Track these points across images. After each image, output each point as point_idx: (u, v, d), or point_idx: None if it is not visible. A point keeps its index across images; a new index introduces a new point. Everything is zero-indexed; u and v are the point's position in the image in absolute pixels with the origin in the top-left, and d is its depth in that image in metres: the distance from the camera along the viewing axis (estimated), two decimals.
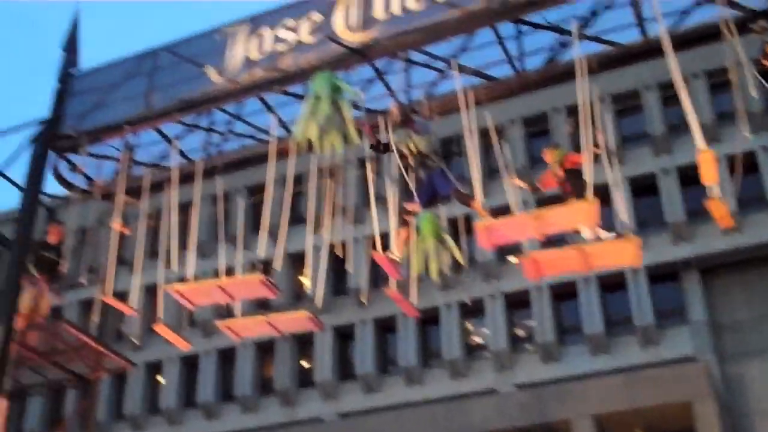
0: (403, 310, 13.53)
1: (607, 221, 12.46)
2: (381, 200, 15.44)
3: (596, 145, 12.52)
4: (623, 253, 11.26)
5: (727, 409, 25.00)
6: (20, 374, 16.30)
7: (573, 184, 12.15)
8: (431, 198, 12.10)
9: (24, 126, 16.48)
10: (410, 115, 12.10)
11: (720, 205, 10.68)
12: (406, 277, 13.17)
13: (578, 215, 10.66)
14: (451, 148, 27.43)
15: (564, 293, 28.50)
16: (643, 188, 29.19)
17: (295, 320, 14.33)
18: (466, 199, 11.65)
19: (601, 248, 11.39)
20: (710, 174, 10.45)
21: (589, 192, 10.50)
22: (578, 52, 12.40)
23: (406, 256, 12.89)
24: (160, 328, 14.47)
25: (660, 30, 11.97)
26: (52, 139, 16.14)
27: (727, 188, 26.89)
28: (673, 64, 11.04)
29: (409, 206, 12.03)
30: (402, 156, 12.04)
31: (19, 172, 16.21)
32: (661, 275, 28.26)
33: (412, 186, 12.18)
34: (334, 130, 11.36)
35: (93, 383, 17.11)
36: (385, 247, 12.33)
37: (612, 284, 28.06)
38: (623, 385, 24.71)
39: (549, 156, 13.27)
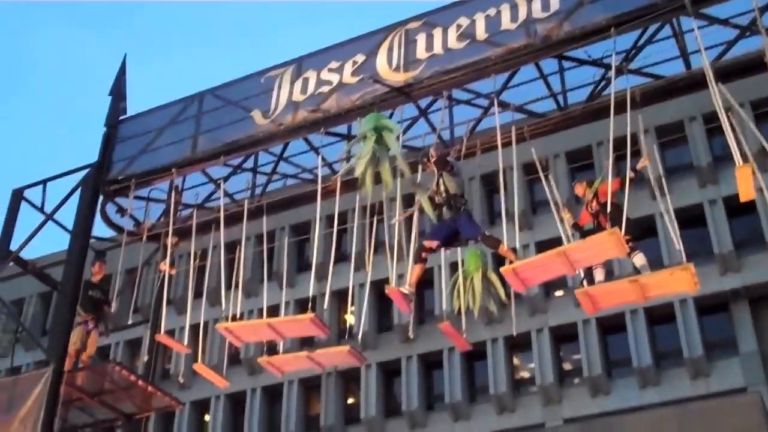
0: (456, 344, 13.47)
1: (655, 251, 12.33)
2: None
3: (633, 170, 12.43)
4: (680, 282, 11.08)
5: None
6: (70, 414, 16.46)
7: (609, 216, 11.97)
8: (450, 238, 12.11)
9: (74, 171, 16.76)
10: (447, 156, 12.14)
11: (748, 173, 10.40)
12: (450, 311, 13.15)
13: (605, 247, 10.49)
14: (494, 184, 27.39)
15: (612, 326, 28.22)
16: (690, 219, 28.84)
17: (337, 355, 14.36)
18: (494, 243, 11.65)
19: (656, 278, 11.23)
20: (747, 189, 10.34)
21: (625, 218, 10.36)
22: (622, 84, 12.34)
23: (452, 292, 12.90)
24: (199, 367, 14.58)
25: (703, 62, 11.90)
26: (100, 183, 16.38)
27: None
28: (715, 95, 10.96)
29: (427, 243, 12.06)
30: (431, 196, 12.09)
31: (69, 215, 16.47)
32: (710, 306, 27.91)
33: (433, 224, 12.23)
34: (384, 166, 11.46)
35: (141, 422, 17.19)
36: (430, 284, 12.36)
37: (660, 316, 27.76)
38: (673, 418, 24.27)
39: (580, 190, 13.19)
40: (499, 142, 12.42)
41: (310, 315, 12.42)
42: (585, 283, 12.00)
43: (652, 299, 11.39)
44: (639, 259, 11.96)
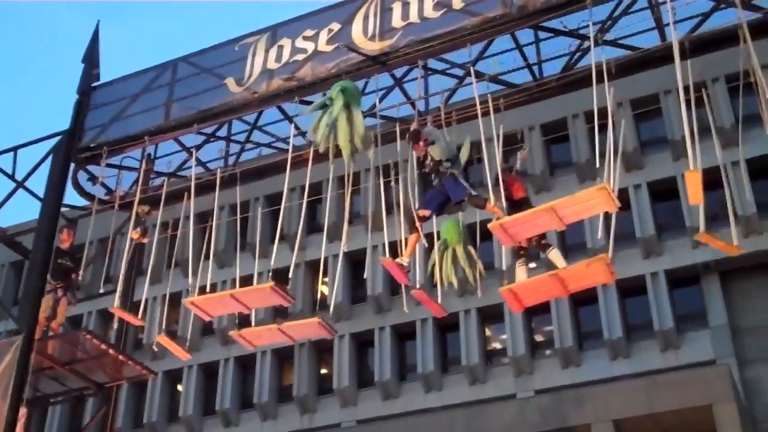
0: (431, 311, 13.42)
1: (630, 225, 12.33)
2: (399, 207, 15.39)
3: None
4: (596, 273, 11.16)
5: (748, 413, 24.84)
6: (40, 383, 16.40)
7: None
8: (443, 204, 12.05)
9: (44, 138, 16.59)
10: (420, 130, 12.04)
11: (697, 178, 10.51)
12: (423, 283, 13.12)
13: (593, 202, 10.49)
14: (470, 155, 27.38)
15: (583, 298, 28.33)
16: (663, 193, 29.06)
17: (307, 327, 14.29)
18: (481, 202, 11.57)
19: (573, 271, 11.27)
20: (696, 193, 10.43)
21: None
22: (596, 56, 12.30)
23: (430, 262, 12.90)
24: (162, 339, 14.53)
25: (673, 35, 11.91)
26: (72, 150, 16.22)
27: (747, 192, 26.82)
28: (680, 69, 10.97)
29: (420, 212, 12.00)
30: (419, 164, 12.04)
31: (40, 183, 16.31)
32: (681, 279, 28.17)
33: (423, 192, 12.18)
34: (344, 136, 11.42)
35: (113, 392, 17.15)
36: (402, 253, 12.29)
37: (632, 288, 27.98)
38: (643, 390, 24.55)
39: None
40: (480, 110, 12.35)
41: (270, 283, 12.35)
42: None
43: (573, 291, 11.43)
44: (555, 255, 11.95)
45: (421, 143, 11.83)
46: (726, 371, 24.10)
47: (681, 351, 27.06)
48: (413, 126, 12.14)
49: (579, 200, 10.54)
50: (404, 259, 12.02)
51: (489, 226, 10.77)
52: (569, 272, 11.23)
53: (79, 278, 16.08)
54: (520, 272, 12.06)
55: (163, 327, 31.74)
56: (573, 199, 10.57)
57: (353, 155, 11.97)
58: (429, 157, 11.83)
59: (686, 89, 11.44)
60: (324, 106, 12.30)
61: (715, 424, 23.08)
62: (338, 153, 12.13)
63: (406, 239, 12.26)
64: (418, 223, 11.95)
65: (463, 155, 12.27)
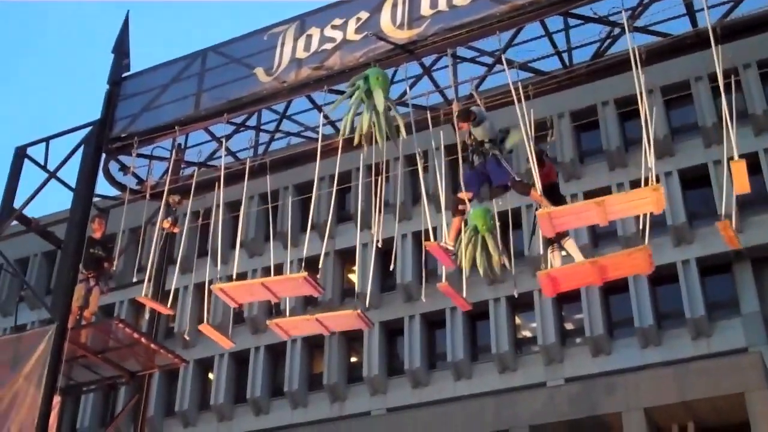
0: (456, 304, 13.41)
1: (660, 214, 12.25)
2: (429, 196, 15.37)
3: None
4: (637, 263, 11.09)
5: None
6: (73, 372, 16.55)
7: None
8: (482, 186, 11.96)
9: (76, 129, 16.70)
10: (469, 108, 11.95)
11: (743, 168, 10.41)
12: (452, 271, 13.10)
13: (642, 201, 10.44)
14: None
15: (614, 286, 28.18)
16: (694, 180, 28.86)
17: (345, 318, 14.29)
18: (525, 188, 11.45)
19: (614, 260, 11.23)
20: (743, 183, 10.32)
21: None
22: (628, 43, 12.19)
23: (458, 248, 12.86)
24: (205, 328, 14.58)
25: (707, 20, 11.79)
26: (103, 140, 16.33)
27: None
28: (717, 55, 10.86)
29: (461, 194, 11.90)
30: (463, 148, 11.96)
31: (71, 173, 16.43)
32: (713, 267, 28.00)
33: (462, 174, 12.08)
34: (382, 124, 11.38)
35: (145, 380, 17.27)
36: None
37: (663, 277, 27.81)
38: (674, 378, 24.44)
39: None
40: (514, 97, 12.28)
41: (303, 274, 12.34)
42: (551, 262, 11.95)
43: (609, 280, 11.38)
44: (570, 246, 11.89)
45: (472, 118, 11.71)
46: (758, 359, 23.92)
47: (712, 339, 26.91)
48: (456, 106, 12.03)
49: (631, 198, 10.56)
50: (449, 243, 11.94)
51: (537, 213, 10.72)
52: (610, 260, 11.18)
53: (113, 267, 16.20)
54: (555, 258, 12.00)
55: (196, 315, 32.12)
56: (626, 195, 10.65)
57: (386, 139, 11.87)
58: (471, 137, 11.74)
59: (717, 76, 11.29)
60: (354, 94, 12.21)
61: (747, 412, 22.92)
62: (368, 141, 12.09)
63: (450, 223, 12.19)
64: (461, 206, 11.88)
65: (511, 141, 12.15)
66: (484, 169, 11.70)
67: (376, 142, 11.50)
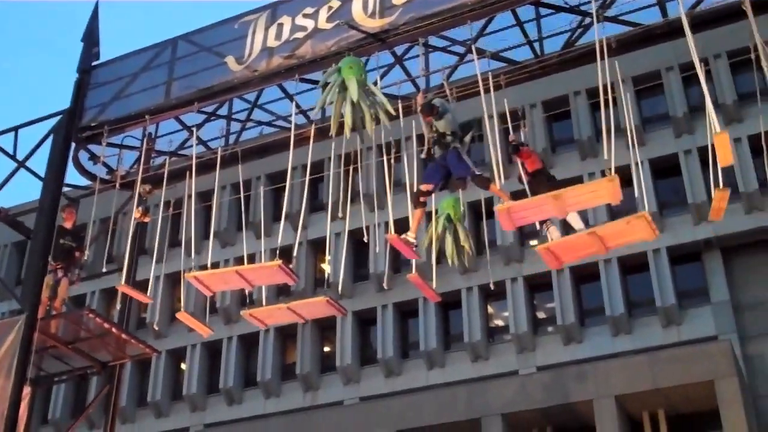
0: (425, 295, 13.46)
1: (631, 202, 12.36)
2: (400, 185, 15.41)
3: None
4: (637, 230, 11.09)
5: (749, 388, 24.93)
6: (44, 362, 16.44)
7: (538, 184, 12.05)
8: (445, 178, 11.97)
9: (45, 117, 16.55)
10: (431, 102, 11.93)
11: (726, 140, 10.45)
12: (425, 261, 13.15)
13: (600, 192, 10.49)
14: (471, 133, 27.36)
15: (585, 275, 28.46)
16: (665, 170, 29.05)
17: (316, 305, 14.31)
18: (485, 182, 11.47)
19: (613, 228, 11.25)
20: (726, 155, 10.35)
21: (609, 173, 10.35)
22: (597, 32, 12.23)
23: (428, 239, 12.89)
24: (183, 316, 14.54)
25: (680, 10, 11.84)
26: (73, 130, 16.19)
27: (749, 168, 26.82)
28: (692, 44, 10.91)
29: (423, 186, 11.92)
30: (425, 139, 11.97)
31: (41, 163, 16.29)
32: (683, 255, 28.21)
33: (426, 166, 12.10)
34: (366, 111, 11.33)
35: (116, 370, 17.19)
36: (405, 231, 12.25)
37: (633, 265, 28.04)
38: (645, 366, 24.62)
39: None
40: (481, 88, 12.29)
41: (277, 262, 12.34)
42: (550, 237, 12.02)
43: (612, 249, 11.41)
44: (573, 217, 11.96)
45: (435, 112, 11.69)
46: (728, 347, 24.15)
47: (683, 327, 27.13)
48: (420, 98, 12.03)
49: (587, 190, 10.57)
50: (410, 235, 11.95)
51: (495, 208, 10.73)
52: (608, 230, 11.19)
53: (84, 257, 16.09)
54: (552, 232, 12.06)
55: (168, 306, 31.99)
56: (581, 188, 10.63)
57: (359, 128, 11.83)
58: (433, 129, 11.72)
59: (688, 66, 11.36)
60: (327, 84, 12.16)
61: (716, 399, 23.15)
62: (341, 131, 12.06)
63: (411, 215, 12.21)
64: (422, 198, 11.90)
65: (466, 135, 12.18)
66: (444, 161, 11.70)
67: (353, 130, 11.46)
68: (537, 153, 13.11)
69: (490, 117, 11.95)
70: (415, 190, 12.09)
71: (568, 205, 10.59)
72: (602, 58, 11.37)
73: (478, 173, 11.56)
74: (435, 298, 13.30)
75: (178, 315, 14.53)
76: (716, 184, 10.76)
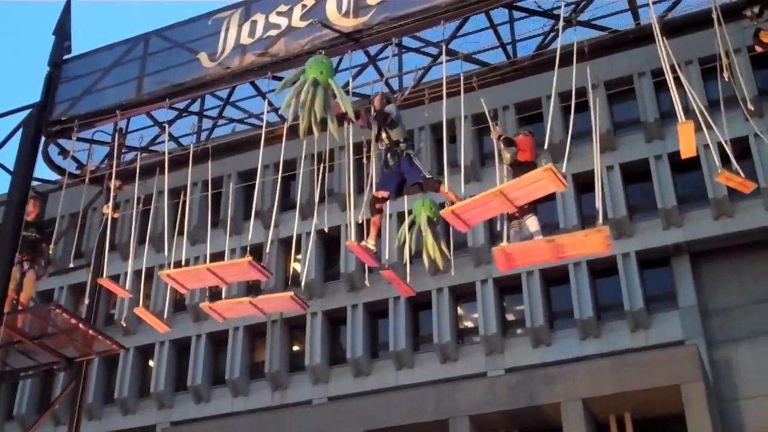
0: (399, 291, 13.46)
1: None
2: (371, 187, 15.30)
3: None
4: (594, 243, 11.21)
5: (715, 393, 25.16)
6: (9, 358, 16.31)
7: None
8: (400, 185, 12.03)
9: (15, 111, 16.43)
10: (385, 110, 11.93)
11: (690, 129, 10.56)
12: (397, 260, 13.18)
13: (541, 183, 10.52)
14: (440, 134, 27.40)
15: (555, 278, 28.59)
16: (635, 174, 29.25)
17: (279, 300, 14.32)
18: (435, 185, 11.56)
19: (572, 239, 11.38)
20: (689, 145, 10.47)
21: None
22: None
23: (401, 239, 12.92)
24: (140, 311, 14.49)
25: (651, 15, 11.96)
26: (43, 123, 16.08)
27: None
28: (661, 50, 11.02)
29: (377, 193, 12.01)
30: (377, 142, 12.03)
31: (10, 156, 16.17)
32: (652, 260, 28.39)
33: (381, 173, 12.17)
34: (320, 113, 11.30)
35: (83, 367, 17.07)
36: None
37: (602, 269, 28.17)
38: (612, 369, 24.80)
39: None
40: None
41: (247, 258, 12.34)
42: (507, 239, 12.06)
43: (565, 259, 11.53)
44: (532, 222, 12.04)
45: (388, 120, 11.74)
46: (694, 352, 24.37)
47: (650, 331, 27.31)
48: (376, 101, 12.04)
49: (526, 182, 10.59)
50: (369, 242, 12.05)
51: (441, 212, 10.84)
52: (567, 240, 11.30)
53: (49, 250, 15.95)
54: (531, 224, 12.13)
55: (137, 303, 31.77)
56: (520, 181, 10.67)
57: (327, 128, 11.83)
58: (385, 136, 11.80)
59: (660, 72, 11.46)
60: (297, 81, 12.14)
61: (683, 403, 23.35)
62: (311, 129, 12.04)
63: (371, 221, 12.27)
64: (378, 205, 12.00)
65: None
66: (399, 169, 11.79)
67: (324, 130, 11.45)
68: (534, 143, 13.09)
69: (465, 118, 11.99)
70: (370, 197, 12.18)
71: (513, 198, 10.64)
72: (572, 63, 11.44)
73: (429, 176, 11.67)
74: (410, 292, 13.27)
75: (135, 310, 14.50)
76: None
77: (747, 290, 27.27)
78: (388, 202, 12.18)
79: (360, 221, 13.03)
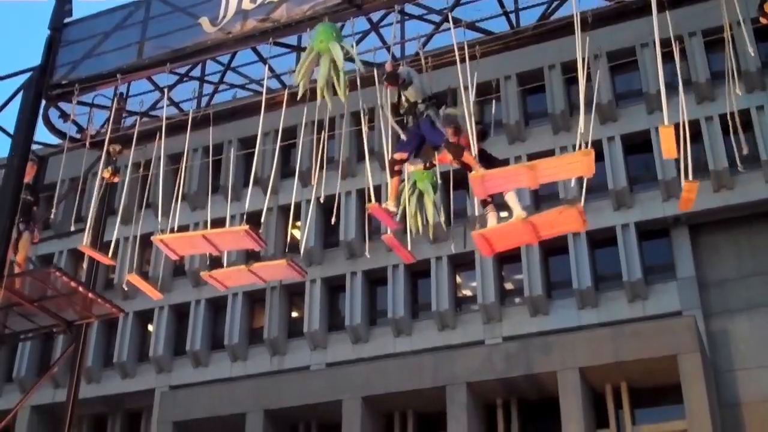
0: (399, 256, 13.43)
1: (602, 176, 12.38)
2: (374, 154, 15.41)
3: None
4: (568, 220, 11.18)
5: (712, 364, 25.29)
6: (9, 320, 16.38)
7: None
8: (419, 147, 11.98)
9: (15, 74, 16.39)
10: (396, 71, 11.87)
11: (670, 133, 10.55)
12: (400, 228, 13.15)
13: (573, 165, 10.51)
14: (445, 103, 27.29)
15: (554, 248, 28.61)
16: (636, 146, 29.21)
17: (277, 268, 14.32)
18: (459, 151, 11.47)
19: (546, 218, 11.33)
20: (670, 147, 10.47)
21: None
22: (575, 6, 12.22)
23: (401, 207, 12.91)
24: (133, 278, 14.49)
25: None
26: (43, 87, 16.05)
27: (720, 147, 27.04)
28: (655, 22, 10.95)
29: (397, 155, 11.95)
30: (397, 108, 11.97)
31: (10, 120, 16.15)
32: (651, 231, 28.43)
33: (402, 135, 12.11)
34: (333, 80, 11.29)
35: (82, 330, 17.14)
36: (377, 200, 12.27)
37: (602, 240, 28.23)
38: (609, 339, 24.90)
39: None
40: (457, 59, 12.25)
41: (244, 227, 12.30)
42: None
43: (544, 238, 11.48)
44: (492, 217, 12.00)
45: (400, 81, 11.68)
46: (691, 323, 24.46)
47: (648, 302, 27.39)
48: (387, 67, 11.98)
49: (562, 162, 10.60)
50: (390, 204, 12.01)
51: (470, 175, 10.73)
52: (541, 219, 11.28)
53: (41, 213, 15.89)
54: (491, 218, 12.10)
55: (134, 267, 31.86)
56: (557, 160, 10.69)
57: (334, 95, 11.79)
58: (404, 98, 11.74)
59: (663, 43, 11.37)
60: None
61: (679, 373, 23.47)
62: (315, 96, 11.99)
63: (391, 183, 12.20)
64: (397, 167, 11.94)
65: (453, 112, 12.15)
66: (418, 129, 11.71)
67: (335, 94, 11.41)
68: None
69: (465, 88, 11.93)
70: (389, 159, 12.11)
71: (542, 176, 10.61)
72: (577, 32, 11.37)
73: (452, 141, 11.56)
74: (409, 258, 13.24)
75: (128, 277, 14.49)
76: (685, 157, 10.81)
77: (745, 262, 27.35)
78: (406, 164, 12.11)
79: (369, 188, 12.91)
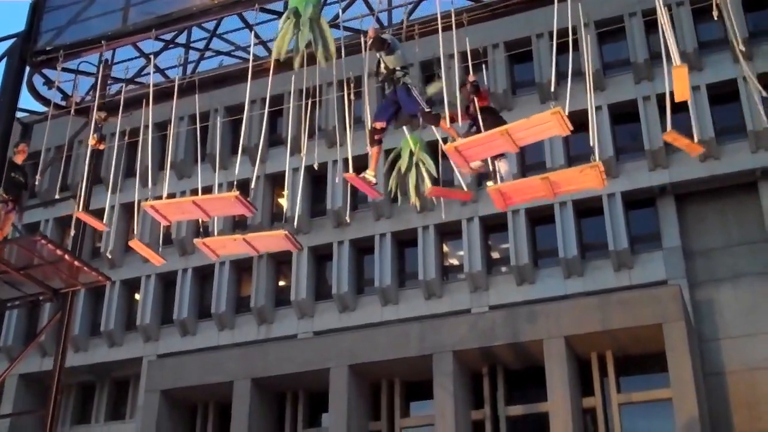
0: (366, 193, 13.24)
1: (587, 147, 12.43)
2: (360, 122, 15.31)
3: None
4: (588, 178, 11.26)
5: (697, 333, 25.46)
6: None
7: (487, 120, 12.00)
8: (395, 114, 11.91)
9: None
10: (382, 36, 11.79)
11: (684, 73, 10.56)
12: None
13: (545, 126, 10.52)
14: (432, 71, 27.23)
15: (540, 217, 28.69)
16: (623, 115, 29.20)
17: (273, 238, 14.30)
18: (434, 119, 11.42)
19: (566, 175, 11.42)
20: (683, 89, 10.45)
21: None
22: None
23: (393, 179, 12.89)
24: (135, 244, 14.47)
25: None
26: (27, 53, 15.92)
27: (706, 117, 27.06)
28: None
29: (375, 124, 11.88)
30: (377, 75, 11.91)
31: None
32: (637, 201, 28.51)
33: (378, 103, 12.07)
34: (317, 46, 11.24)
35: (69, 298, 17.12)
36: (364, 169, 12.24)
37: (588, 209, 28.29)
38: (595, 307, 25.00)
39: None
40: (443, 27, 12.21)
41: (234, 193, 12.29)
42: (498, 178, 12.07)
43: (561, 195, 11.55)
44: (503, 165, 12.02)
45: (385, 46, 11.59)
46: (677, 292, 24.58)
47: (634, 271, 27.51)
48: (370, 32, 11.91)
49: (533, 123, 10.59)
50: (369, 173, 11.94)
51: (444, 148, 10.74)
52: (561, 176, 11.36)
53: (29, 193, 15.76)
54: (503, 166, 12.10)
55: (123, 236, 31.81)
56: (527, 122, 10.63)
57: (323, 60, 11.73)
58: (383, 65, 11.64)
59: (650, 12, 11.35)
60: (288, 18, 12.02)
61: (664, 342, 23.62)
62: (300, 63, 11.94)
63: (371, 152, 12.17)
64: (377, 136, 11.89)
65: (432, 89, 12.14)
66: (394, 96, 11.64)
67: (316, 62, 11.36)
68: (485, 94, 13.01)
69: (451, 56, 11.89)
70: (368, 128, 12.07)
71: (517, 139, 10.65)
72: (564, 1, 11.34)
73: (427, 110, 11.50)
74: (375, 194, 13.03)
75: (130, 243, 14.48)
76: (672, 127, 10.85)
77: (730, 232, 27.48)
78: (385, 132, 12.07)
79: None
